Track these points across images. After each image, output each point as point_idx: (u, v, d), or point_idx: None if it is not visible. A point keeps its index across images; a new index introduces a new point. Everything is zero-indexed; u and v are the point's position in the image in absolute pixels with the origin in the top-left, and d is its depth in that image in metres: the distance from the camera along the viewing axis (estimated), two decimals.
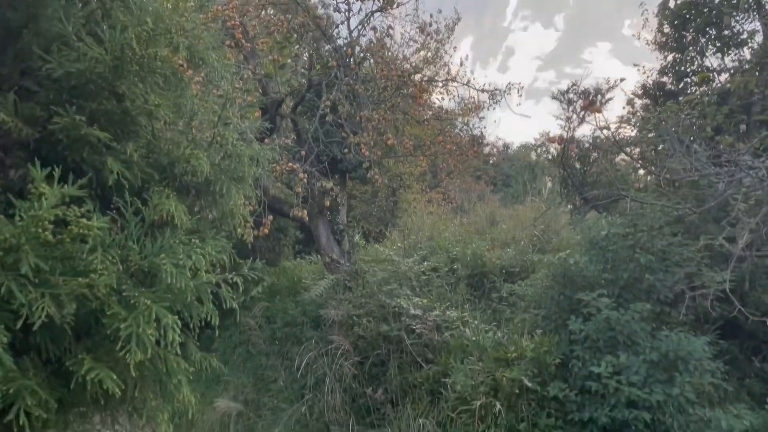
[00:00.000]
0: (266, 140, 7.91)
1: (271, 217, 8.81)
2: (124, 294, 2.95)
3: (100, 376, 2.73)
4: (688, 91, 10.31)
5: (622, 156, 10.02)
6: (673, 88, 10.70)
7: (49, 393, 2.76)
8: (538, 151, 25.22)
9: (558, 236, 8.58)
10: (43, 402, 2.68)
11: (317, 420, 6.44)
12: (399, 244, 8.89)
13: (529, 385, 5.24)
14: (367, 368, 6.82)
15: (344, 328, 7.36)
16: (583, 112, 9.23)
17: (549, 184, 17.67)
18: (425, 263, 8.17)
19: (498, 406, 5.20)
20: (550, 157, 20.17)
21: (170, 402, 3.20)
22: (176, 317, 3.03)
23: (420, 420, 5.63)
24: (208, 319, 3.54)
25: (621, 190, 6.45)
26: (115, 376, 2.78)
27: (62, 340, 2.98)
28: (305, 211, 8.27)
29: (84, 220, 2.78)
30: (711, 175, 5.44)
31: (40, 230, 2.56)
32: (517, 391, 5.31)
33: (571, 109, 11.73)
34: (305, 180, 7.77)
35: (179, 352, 3.44)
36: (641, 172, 8.76)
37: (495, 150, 24.96)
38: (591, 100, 11.49)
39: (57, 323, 2.71)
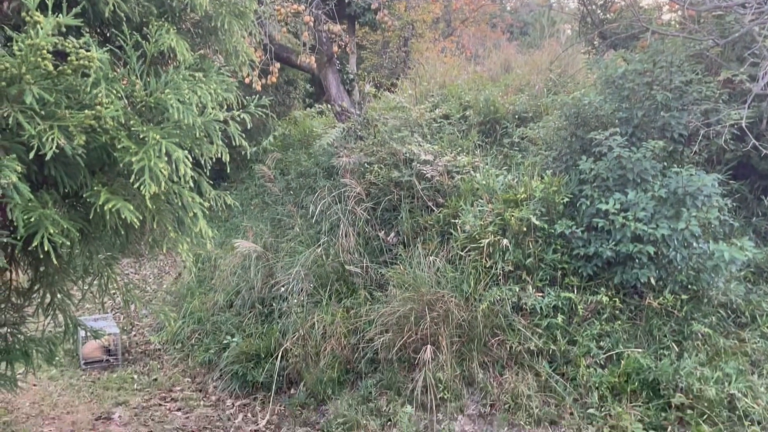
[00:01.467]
0: None
1: (278, 65, 8.60)
2: (132, 129, 2.96)
3: (118, 206, 2.82)
4: None
5: None
6: None
7: (70, 224, 2.87)
8: None
9: (573, 80, 8.34)
10: (65, 231, 2.79)
11: (333, 260, 6.73)
12: (410, 92, 8.70)
13: (537, 223, 5.38)
14: (379, 213, 7.00)
15: (356, 175, 7.45)
16: None
17: (568, 31, 16.86)
18: (437, 110, 8.05)
19: (506, 243, 5.37)
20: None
21: (188, 234, 3.33)
22: (186, 152, 3.06)
23: (430, 258, 5.86)
24: (219, 156, 3.59)
25: (643, 23, 6.13)
26: (131, 207, 2.87)
27: (77, 174, 3.04)
28: (313, 57, 8.03)
29: (83, 51, 2.72)
30: (737, 5, 5.12)
31: (39, 59, 2.52)
32: (524, 229, 5.45)
33: None
34: (311, 24, 7.46)
35: (193, 187, 3.52)
36: (665, 9, 8.29)
37: None
38: None
39: (69, 156, 2.75)
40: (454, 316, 5.29)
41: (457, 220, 6.00)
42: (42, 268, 3.49)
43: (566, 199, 5.46)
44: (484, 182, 6.20)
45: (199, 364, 6.97)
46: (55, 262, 2.74)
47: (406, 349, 5.48)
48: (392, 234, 6.95)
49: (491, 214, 5.78)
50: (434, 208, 6.62)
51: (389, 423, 5.20)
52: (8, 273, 3.54)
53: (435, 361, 5.28)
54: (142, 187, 2.85)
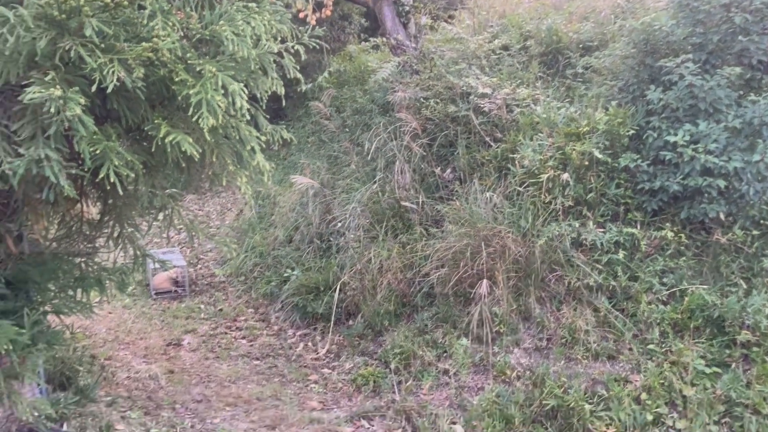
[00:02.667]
0: None
1: None
2: (189, 62, 2.98)
3: (178, 139, 2.88)
4: None
5: None
6: None
7: (134, 156, 2.96)
8: None
9: (643, 4, 7.80)
10: (129, 163, 2.88)
11: (388, 197, 6.74)
12: (468, 23, 8.39)
13: (600, 157, 5.19)
14: (435, 149, 6.92)
15: (412, 111, 7.34)
16: None
17: None
18: (496, 41, 7.76)
19: (566, 178, 5.23)
20: None
21: (246, 168, 3.38)
22: (242, 85, 3.07)
23: (487, 194, 5.78)
24: (276, 91, 3.60)
25: None
26: (191, 140, 2.92)
27: (138, 108, 3.11)
28: None
29: None
30: None
31: None
32: (586, 163, 5.28)
33: None
34: None
35: (250, 121, 3.55)
36: None
37: None
38: None
39: (130, 89, 2.81)
40: (510, 252, 5.25)
41: (515, 155, 5.86)
42: (110, 201, 3.64)
43: (632, 132, 5.23)
44: (544, 115, 5.99)
45: (261, 296, 7.24)
46: (121, 193, 2.85)
47: (462, 284, 5.50)
48: (448, 170, 6.88)
49: (551, 148, 5.61)
50: (492, 144, 6.48)
51: (444, 354, 5.30)
52: (79, 205, 3.71)
53: (491, 295, 5.30)
54: (200, 120, 2.89)
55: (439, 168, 6.90)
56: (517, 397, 4.60)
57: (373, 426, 4.64)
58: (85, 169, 2.79)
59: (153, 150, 2.96)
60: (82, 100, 2.54)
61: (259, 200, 10.05)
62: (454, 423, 4.66)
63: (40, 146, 2.67)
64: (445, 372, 5.15)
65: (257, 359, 5.85)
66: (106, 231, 3.80)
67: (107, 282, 3.87)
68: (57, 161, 2.66)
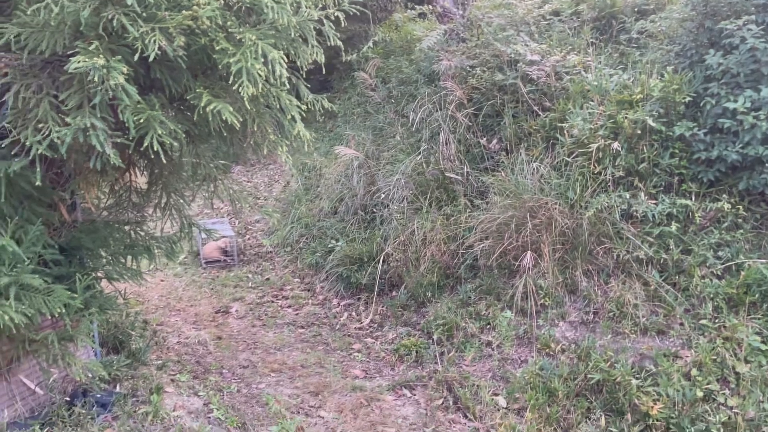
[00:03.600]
0: None
1: None
2: (229, 30, 2.98)
3: (218, 107, 2.89)
4: None
5: None
6: None
7: (177, 125, 3.00)
8: None
9: None
10: (172, 132, 2.92)
11: (433, 168, 6.68)
12: None
13: (653, 125, 4.98)
14: (480, 119, 6.78)
15: (457, 80, 7.21)
16: None
17: None
18: (546, 6, 7.50)
19: (617, 147, 5.05)
20: None
21: (287, 137, 3.39)
22: (282, 53, 3.05)
23: (534, 164, 5.65)
24: (315, 57, 3.57)
25: None
26: (231, 109, 2.94)
27: (181, 77, 3.14)
28: None
29: None
30: None
31: None
32: (639, 132, 5.08)
33: None
34: None
35: (291, 90, 3.55)
36: None
37: None
38: None
39: (172, 59, 2.83)
40: (557, 224, 5.13)
41: (564, 125, 5.69)
42: (156, 170, 3.72)
43: (688, 99, 4.98)
44: (595, 83, 5.78)
45: (306, 266, 7.33)
46: (165, 162, 2.89)
47: (506, 256, 5.43)
48: (494, 140, 6.74)
49: (602, 116, 5.42)
50: (539, 113, 6.31)
51: (488, 326, 5.26)
52: (127, 174, 3.81)
53: (536, 268, 5.21)
54: (240, 89, 2.90)
55: (485, 138, 6.77)
56: (561, 370, 4.53)
57: (414, 395, 4.67)
58: (130, 138, 2.84)
59: (195, 119, 3.00)
60: (125, 69, 2.58)
61: (305, 172, 10.14)
62: (497, 394, 4.65)
63: (87, 115, 2.73)
64: (488, 344, 5.12)
65: (302, 327, 5.95)
66: (154, 200, 3.89)
67: (156, 250, 3.97)
68: (102, 130, 2.72)
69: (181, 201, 3.93)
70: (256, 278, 7.35)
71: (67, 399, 3.69)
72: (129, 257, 3.88)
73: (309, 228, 7.93)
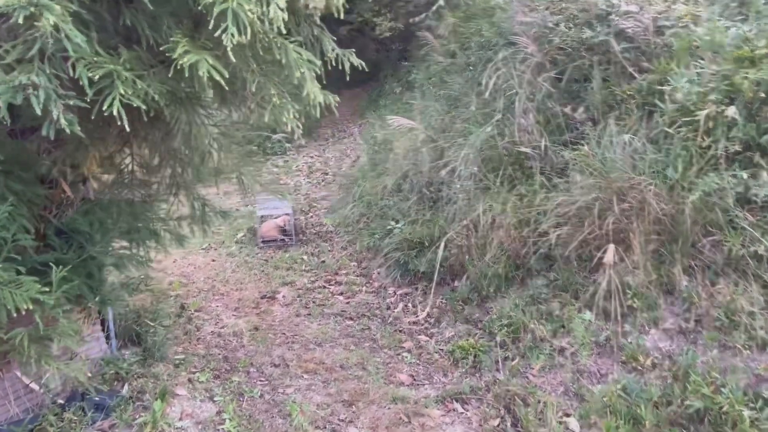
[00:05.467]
0: None
1: None
2: None
3: (193, 60, 2.27)
4: None
5: None
6: None
7: (152, 85, 2.40)
8: None
9: None
10: (141, 93, 2.33)
11: (507, 141, 5.82)
12: None
13: None
14: (564, 84, 5.83)
15: (538, 40, 6.27)
16: None
17: None
18: None
19: (733, 114, 4.01)
20: None
21: (297, 100, 2.72)
22: None
23: (625, 136, 4.69)
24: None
25: None
26: (212, 60, 2.30)
27: (160, 25, 2.55)
28: None
29: None
30: None
31: None
32: (762, 95, 4.02)
33: None
34: None
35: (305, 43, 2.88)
36: None
37: None
38: None
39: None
40: (651, 209, 4.19)
41: (665, 88, 4.67)
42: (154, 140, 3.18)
43: None
44: (707, 37, 4.71)
45: (365, 249, 6.73)
46: (127, 129, 2.31)
47: (587, 246, 4.55)
48: (580, 109, 5.78)
49: (715, 77, 4.37)
50: (636, 75, 5.28)
51: (562, 330, 4.43)
52: (128, 146, 3.30)
53: (623, 262, 4.31)
54: (224, 37, 2.26)
55: (569, 107, 5.82)
56: (651, 392, 3.66)
57: (467, 411, 3.95)
58: (89, 101, 2.28)
59: (170, 74, 2.39)
60: (58, 7, 2.00)
61: (375, 146, 9.53)
62: (568, 415, 3.84)
63: (32, 71, 2.18)
64: (561, 351, 4.30)
65: (350, 319, 5.35)
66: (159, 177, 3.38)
67: (162, 233, 3.47)
68: (47, 89, 2.17)
69: (191, 178, 3.38)
70: (311, 260, 6.83)
71: (61, 402, 3.28)
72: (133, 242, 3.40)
73: (370, 207, 7.30)
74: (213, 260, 6.69)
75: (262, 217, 7.61)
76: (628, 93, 5.17)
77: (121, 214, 3.31)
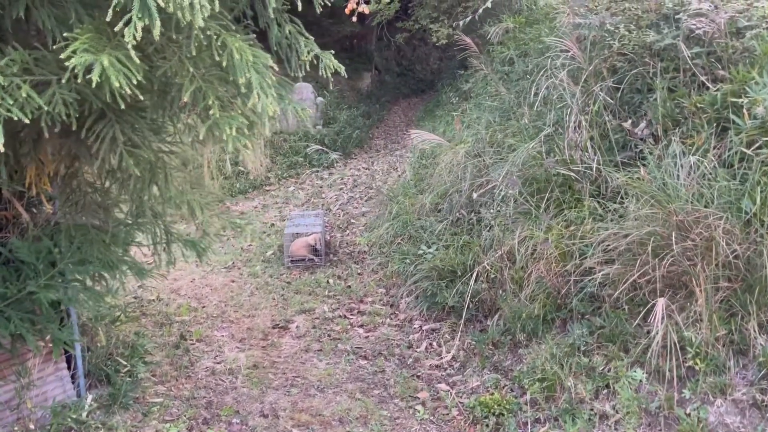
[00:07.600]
0: None
1: None
2: None
3: (83, 60, 1.76)
4: None
5: None
6: None
7: (58, 93, 1.92)
8: None
9: None
10: (30, 103, 1.85)
11: (555, 159, 5.10)
12: None
13: None
14: (621, 95, 5.05)
15: (597, 48, 5.52)
16: None
17: None
18: None
19: None
20: None
21: (238, 110, 2.17)
22: None
23: (692, 158, 3.89)
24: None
25: None
26: (107, 63, 1.79)
27: (68, 17, 2.07)
28: None
29: None
30: None
31: None
32: None
33: None
34: None
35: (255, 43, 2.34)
36: None
37: None
38: None
39: None
40: (720, 249, 3.39)
41: (743, 100, 3.86)
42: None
43: None
44: None
45: (395, 274, 6.12)
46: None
47: (641, 290, 3.78)
48: (642, 123, 4.98)
49: None
50: (708, 84, 4.46)
51: (606, 390, 3.67)
52: (76, 162, 2.86)
53: (684, 312, 3.52)
54: (126, 31, 1.76)
55: (629, 121, 5.04)
56: None
57: None
58: None
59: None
60: None
61: (422, 159, 8.95)
62: None
63: None
64: (603, 417, 3.55)
65: (365, 358, 4.75)
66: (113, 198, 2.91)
67: (124, 267, 3.00)
68: None
69: (151, 202, 2.90)
70: (336, 285, 6.28)
71: None
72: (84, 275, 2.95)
73: (406, 226, 6.69)
74: (232, 281, 6.26)
75: (294, 234, 7.16)
76: (698, 105, 4.36)
77: (72, 241, 2.88)
